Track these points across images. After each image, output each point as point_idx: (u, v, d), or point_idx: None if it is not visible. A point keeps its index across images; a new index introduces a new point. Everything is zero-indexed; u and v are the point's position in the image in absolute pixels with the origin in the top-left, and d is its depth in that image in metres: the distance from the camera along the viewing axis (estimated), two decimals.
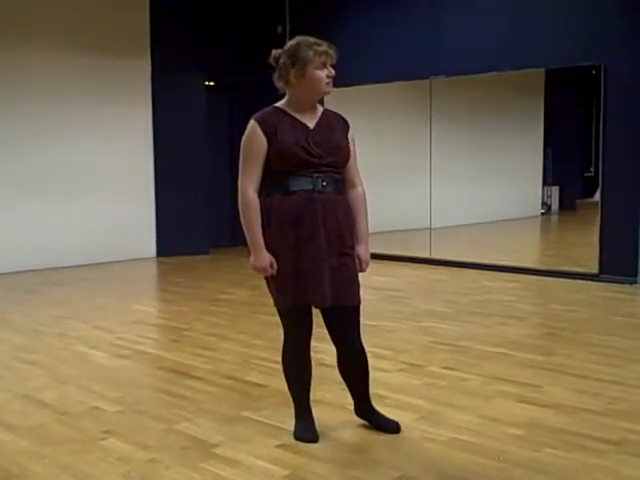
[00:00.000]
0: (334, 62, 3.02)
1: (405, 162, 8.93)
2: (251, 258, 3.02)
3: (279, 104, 3.08)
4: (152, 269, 8.61)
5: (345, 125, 3.14)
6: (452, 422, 3.37)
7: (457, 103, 8.59)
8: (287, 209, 2.97)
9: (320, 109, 3.11)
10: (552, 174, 9.05)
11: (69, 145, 8.30)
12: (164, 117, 8.99)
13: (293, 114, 3.03)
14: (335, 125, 3.09)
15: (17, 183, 7.94)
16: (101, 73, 8.48)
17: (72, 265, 8.28)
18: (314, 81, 2.98)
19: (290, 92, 3.05)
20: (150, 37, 8.87)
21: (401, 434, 3.21)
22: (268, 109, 3.06)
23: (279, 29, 9.45)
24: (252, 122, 3.01)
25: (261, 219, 2.99)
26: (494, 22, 7.66)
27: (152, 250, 9.12)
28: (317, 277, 2.96)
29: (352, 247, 3.09)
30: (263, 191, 3.02)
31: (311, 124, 3.03)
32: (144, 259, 8.94)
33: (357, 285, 3.08)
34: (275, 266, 2.99)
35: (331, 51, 3.00)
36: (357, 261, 3.10)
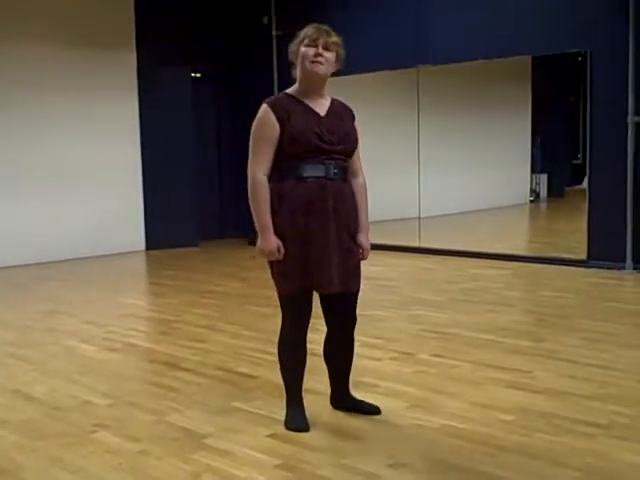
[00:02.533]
0: (330, 46, 3.01)
1: (393, 151, 8.93)
2: (258, 241, 3.02)
3: (289, 90, 3.10)
4: (141, 262, 8.59)
5: (351, 115, 3.18)
6: (443, 409, 3.38)
7: (445, 92, 8.58)
8: (299, 195, 2.98)
9: (329, 98, 3.13)
10: (540, 162, 9.07)
11: (55, 139, 8.24)
12: (150, 109, 8.94)
13: (304, 100, 3.04)
14: (344, 114, 3.13)
15: (3, 178, 7.88)
16: (87, 66, 8.42)
17: (60, 260, 8.23)
18: (302, 58, 3.00)
19: (297, 76, 3.07)
20: (135, 29, 8.81)
21: (392, 421, 3.22)
22: (279, 95, 3.10)
23: (265, 20, 9.41)
24: (264, 106, 3.02)
25: (271, 204, 2.99)
26: (480, 10, 7.64)
27: (141, 243, 9.08)
28: (325, 264, 2.99)
29: (355, 235, 3.13)
30: (274, 176, 3.02)
31: (322, 112, 3.05)
32: (133, 252, 8.90)
33: (359, 272, 3.14)
34: (282, 250, 2.99)
35: (325, 31, 3.00)
36: (359, 249, 3.15)
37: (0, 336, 5.03)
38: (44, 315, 5.65)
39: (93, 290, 6.66)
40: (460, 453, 2.89)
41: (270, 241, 2.98)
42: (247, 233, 9.33)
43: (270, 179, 3.01)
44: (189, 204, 9.20)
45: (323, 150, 2.98)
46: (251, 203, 3.01)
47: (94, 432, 3.21)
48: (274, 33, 9.33)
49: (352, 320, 3.20)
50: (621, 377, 3.78)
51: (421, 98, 8.36)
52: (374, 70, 8.41)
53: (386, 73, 8.45)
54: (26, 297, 6.42)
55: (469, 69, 7.98)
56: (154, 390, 3.81)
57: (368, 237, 3.19)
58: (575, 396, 3.50)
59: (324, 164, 2.99)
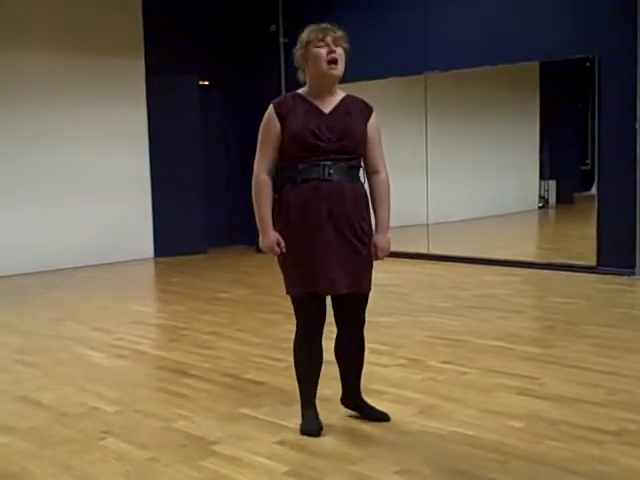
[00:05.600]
0: (338, 41, 3.00)
1: (401, 158, 8.89)
2: (259, 238, 3.06)
3: (300, 90, 3.11)
4: (150, 269, 8.60)
5: (366, 110, 3.13)
6: (452, 416, 3.37)
7: (452, 98, 8.58)
8: (294, 199, 3.00)
9: (341, 95, 3.11)
10: (549, 168, 9.05)
11: (64, 146, 8.28)
12: (159, 117, 8.98)
13: (311, 100, 3.05)
14: (353, 110, 3.08)
15: (13, 185, 7.92)
16: (95, 74, 8.46)
17: (69, 267, 8.26)
18: (315, 60, 2.98)
19: (307, 78, 3.07)
20: (144, 37, 8.85)
21: (400, 428, 3.21)
22: (288, 94, 3.12)
23: (272, 27, 9.44)
24: (270, 106, 3.05)
25: (273, 207, 3.03)
26: (488, 16, 7.64)
27: (150, 250, 9.10)
28: (324, 266, 2.97)
29: (366, 235, 3.07)
30: (278, 178, 3.04)
31: (327, 109, 3.04)
32: (142, 260, 8.92)
33: (369, 273, 3.10)
34: (282, 244, 3.01)
35: (329, 28, 2.99)
36: (372, 249, 3.09)
37: (9, 343, 5.05)
38: (53, 322, 5.67)
39: (102, 297, 6.67)
40: (469, 460, 2.88)
41: (268, 236, 3.02)
42: (255, 240, 9.36)
43: (275, 184, 3.03)
44: (197, 211, 9.22)
45: (320, 149, 2.95)
46: (253, 201, 3.06)
47: (102, 439, 3.21)
48: (282, 40, 9.35)
49: (361, 321, 3.19)
50: (630, 383, 3.76)
51: (428, 105, 8.35)
52: (381, 77, 8.41)
53: (393, 80, 8.45)
54: (34, 304, 6.43)
55: (477, 76, 7.97)
56: (162, 397, 3.81)
57: (386, 236, 3.13)
58: (584, 403, 3.49)
59: (319, 166, 2.96)
